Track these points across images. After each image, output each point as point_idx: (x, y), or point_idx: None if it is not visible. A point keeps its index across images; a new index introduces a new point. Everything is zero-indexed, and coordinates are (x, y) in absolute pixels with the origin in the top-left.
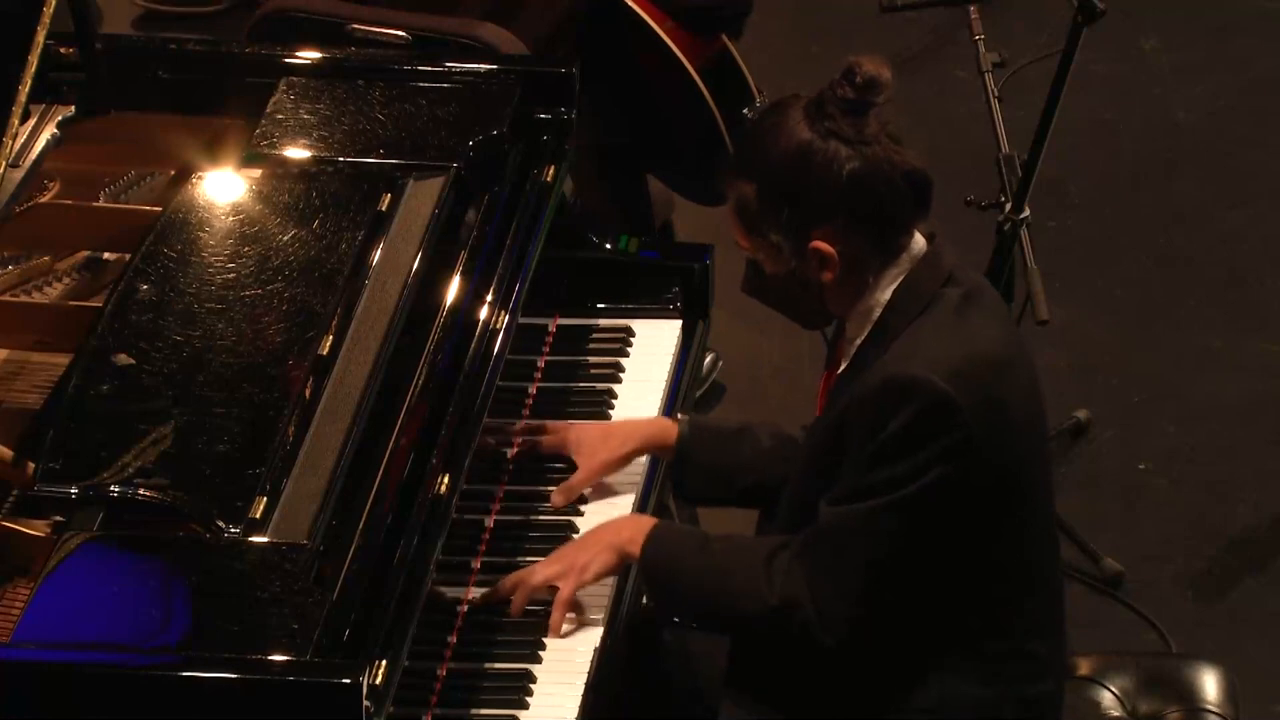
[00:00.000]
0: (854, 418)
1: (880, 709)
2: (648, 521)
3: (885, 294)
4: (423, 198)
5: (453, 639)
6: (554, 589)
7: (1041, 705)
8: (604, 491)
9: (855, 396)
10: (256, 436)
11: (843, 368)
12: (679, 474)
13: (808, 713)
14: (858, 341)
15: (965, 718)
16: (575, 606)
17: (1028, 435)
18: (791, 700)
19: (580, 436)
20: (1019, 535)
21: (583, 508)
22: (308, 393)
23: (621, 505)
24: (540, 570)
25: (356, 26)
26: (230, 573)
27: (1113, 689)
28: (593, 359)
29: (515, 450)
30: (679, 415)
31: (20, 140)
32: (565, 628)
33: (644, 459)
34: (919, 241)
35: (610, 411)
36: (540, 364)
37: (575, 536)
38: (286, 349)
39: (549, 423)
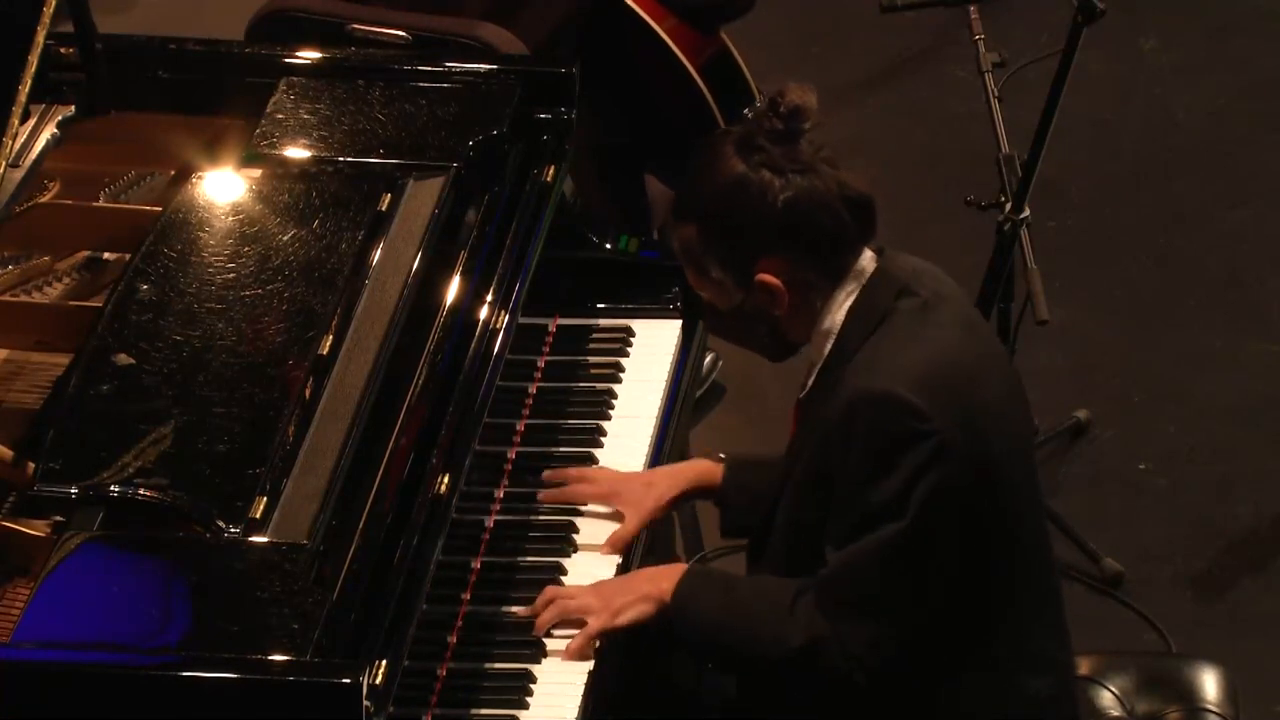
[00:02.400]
0: (830, 446)
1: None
2: (681, 570)
3: (839, 315)
4: (423, 198)
5: (453, 639)
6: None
7: (1047, 702)
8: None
9: (826, 421)
10: (256, 436)
11: (805, 392)
12: (723, 510)
13: None
14: (818, 366)
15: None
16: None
17: (1004, 436)
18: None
19: (623, 488)
20: (1008, 534)
21: (582, 506)
22: (308, 393)
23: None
24: (580, 600)
25: (356, 26)
26: (230, 573)
27: (1112, 689)
28: (593, 359)
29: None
30: (720, 455)
31: (20, 140)
32: (563, 633)
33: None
34: (867, 258)
35: (610, 411)
36: (540, 364)
37: (575, 537)
38: (286, 349)
39: (586, 471)
